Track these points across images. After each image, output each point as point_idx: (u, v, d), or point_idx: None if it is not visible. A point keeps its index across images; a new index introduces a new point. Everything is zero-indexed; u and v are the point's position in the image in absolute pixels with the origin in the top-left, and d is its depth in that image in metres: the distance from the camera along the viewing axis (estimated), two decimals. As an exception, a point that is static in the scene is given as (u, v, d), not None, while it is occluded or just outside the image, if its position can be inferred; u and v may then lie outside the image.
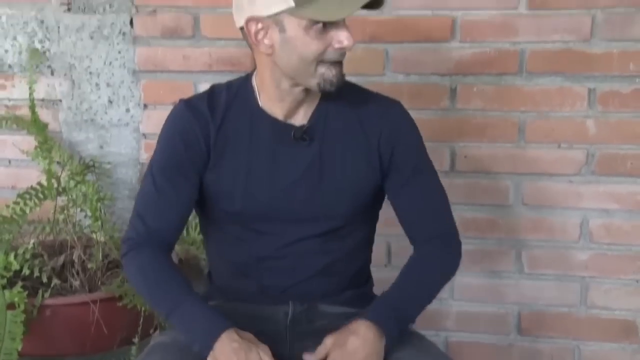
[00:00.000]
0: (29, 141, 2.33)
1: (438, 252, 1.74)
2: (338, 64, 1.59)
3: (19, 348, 1.86)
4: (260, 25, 1.56)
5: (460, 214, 2.23)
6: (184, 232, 2.15)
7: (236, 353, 1.50)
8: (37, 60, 2.37)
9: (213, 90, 1.73)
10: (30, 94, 2.29)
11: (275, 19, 1.54)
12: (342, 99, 1.68)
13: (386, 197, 1.76)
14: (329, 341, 1.59)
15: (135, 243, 1.67)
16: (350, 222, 1.72)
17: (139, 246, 1.66)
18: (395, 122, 1.71)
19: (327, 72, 1.58)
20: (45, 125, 2.31)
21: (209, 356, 1.53)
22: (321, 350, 1.59)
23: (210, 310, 1.59)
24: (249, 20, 1.57)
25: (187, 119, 1.67)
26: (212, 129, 1.67)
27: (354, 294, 1.77)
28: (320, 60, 1.57)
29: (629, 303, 2.26)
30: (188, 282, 1.64)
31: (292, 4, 1.51)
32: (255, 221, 1.70)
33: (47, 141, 2.25)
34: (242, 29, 1.60)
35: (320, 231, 1.70)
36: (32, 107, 2.28)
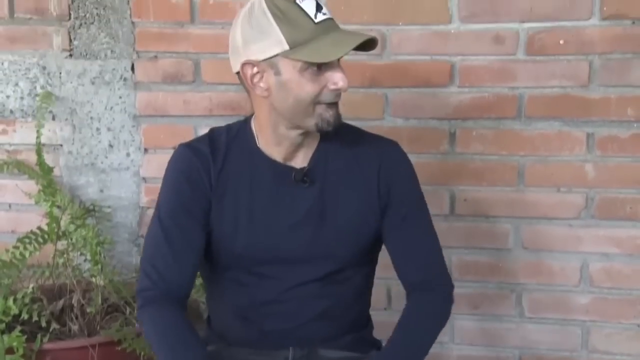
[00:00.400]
0: (29, 186, 2.34)
1: (430, 300, 1.73)
2: (334, 104, 1.61)
3: (16, 394, 1.85)
4: (255, 69, 1.58)
5: (460, 257, 2.25)
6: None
7: None
8: (49, 103, 2.38)
9: (212, 132, 1.74)
10: (38, 137, 2.30)
11: (271, 63, 1.56)
12: (341, 140, 1.69)
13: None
14: None
15: (151, 296, 1.64)
16: (350, 265, 1.72)
17: (155, 301, 1.63)
18: (393, 161, 1.72)
19: (324, 113, 1.59)
20: (51, 169, 2.32)
21: None
22: None
23: None
24: (244, 65, 1.58)
25: (190, 161, 1.68)
26: (213, 171, 1.67)
27: (354, 338, 1.76)
28: (316, 102, 1.58)
29: (631, 347, 2.25)
30: (204, 345, 1.63)
31: (287, 47, 1.53)
32: (256, 264, 1.69)
33: (51, 185, 2.25)
34: (238, 73, 1.62)
35: (321, 274, 1.70)
36: (39, 151, 2.30)
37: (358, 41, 1.55)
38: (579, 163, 2.21)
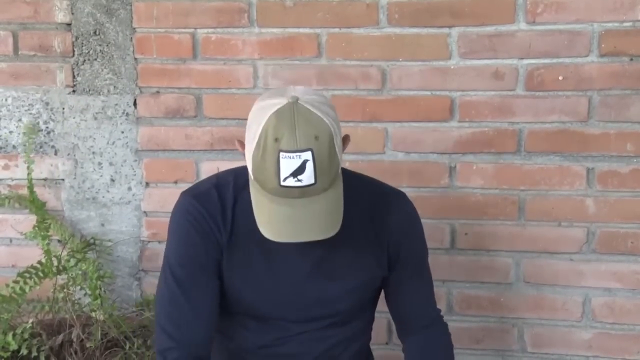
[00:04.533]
0: (31, 220, 2.34)
1: (441, 335, 1.75)
2: None
3: None
4: None
5: (461, 291, 2.25)
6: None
7: None
8: (34, 135, 2.38)
9: (219, 182, 1.68)
10: (29, 173, 2.31)
11: None
12: (350, 194, 1.60)
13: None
14: None
15: (175, 357, 1.59)
16: (352, 312, 1.72)
17: None
18: (405, 219, 1.71)
19: None
20: (43, 204, 2.32)
21: None
22: None
23: None
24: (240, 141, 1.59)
25: (199, 211, 1.63)
26: (222, 222, 1.63)
27: (355, 374, 1.75)
28: None
29: (640, 388, 2.25)
30: None
31: (252, 178, 1.52)
32: (262, 314, 1.68)
33: (45, 220, 2.25)
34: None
35: (323, 325, 1.69)
36: (30, 187, 2.30)
37: (300, 238, 1.49)
38: (579, 197, 2.21)
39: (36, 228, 2.20)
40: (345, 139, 1.60)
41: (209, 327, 1.63)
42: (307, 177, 1.45)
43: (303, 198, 1.47)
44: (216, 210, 1.63)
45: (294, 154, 1.44)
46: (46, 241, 2.15)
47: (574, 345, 2.26)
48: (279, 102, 1.49)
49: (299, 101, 1.48)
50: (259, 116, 1.50)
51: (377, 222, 1.67)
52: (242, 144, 1.57)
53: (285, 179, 1.45)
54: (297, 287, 1.65)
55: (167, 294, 1.63)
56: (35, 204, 2.28)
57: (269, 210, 1.49)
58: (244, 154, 1.56)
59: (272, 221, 1.49)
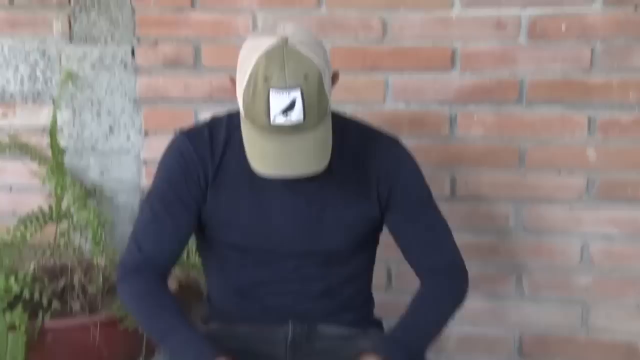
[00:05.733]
0: (29, 168, 2.33)
1: (446, 285, 1.74)
2: None
3: (20, 369, 1.84)
4: None
5: (461, 238, 2.22)
6: (184, 256, 2.14)
7: None
8: (71, 82, 2.38)
9: (214, 121, 1.74)
10: (53, 118, 2.31)
11: None
12: (343, 136, 1.67)
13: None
14: None
15: (130, 269, 1.67)
16: (349, 250, 1.73)
17: (134, 272, 1.66)
18: (394, 162, 1.72)
19: None
20: (63, 151, 2.32)
21: None
22: None
23: (202, 339, 1.57)
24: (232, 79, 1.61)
25: (188, 151, 1.68)
26: (212, 161, 1.68)
27: (354, 315, 1.77)
28: None
29: (630, 326, 2.26)
30: (182, 309, 1.64)
31: (243, 115, 1.56)
32: (254, 252, 1.71)
33: (60, 166, 2.25)
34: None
35: (319, 261, 1.71)
36: (53, 132, 2.30)
37: (288, 172, 1.54)
38: (580, 146, 2.22)
39: (50, 173, 2.19)
40: (335, 77, 1.63)
41: (169, 254, 1.69)
42: (296, 115, 1.49)
43: (292, 135, 1.51)
44: (205, 150, 1.68)
45: (283, 92, 1.48)
46: (56, 184, 2.14)
47: (571, 290, 2.28)
48: (269, 42, 1.52)
49: (288, 41, 1.52)
50: (250, 56, 1.53)
51: (366, 164, 1.70)
52: (234, 82, 1.59)
53: (275, 117, 1.50)
54: (288, 223, 1.68)
55: (141, 221, 1.71)
56: (55, 150, 2.27)
57: (260, 145, 1.54)
58: (235, 92, 1.59)
59: (262, 156, 1.54)
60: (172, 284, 1.93)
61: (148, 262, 1.66)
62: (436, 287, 1.72)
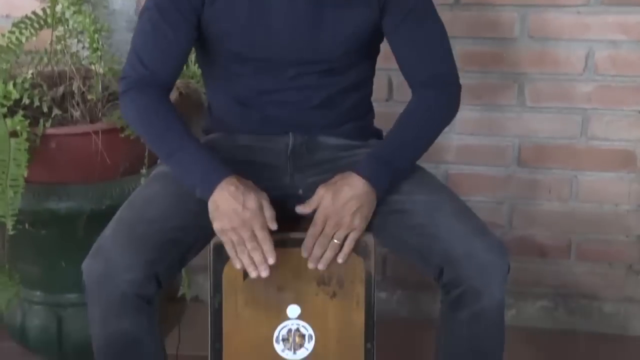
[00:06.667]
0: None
1: (436, 98, 1.72)
2: None
3: (25, 174, 1.86)
4: None
5: (464, 47, 2.22)
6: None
7: (236, 199, 1.52)
8: None
9: None
10: None
11: None
12: None
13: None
14: (321, 191, 1.60)
15: (134, 82, 1.65)
16: (349, 58, 1.71)
17: (138, 86, 1.65)
18: None
19: None
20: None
21: (209, 201, 1.54)
22: (314, 199, 1.60)
23: (210, 156, 1.59)
24: None
25: None
26: None
27: (354, 126, 1.78)
28: None
29: (630, 134, 2.27)
30: (188, 127, 1.64)
31: None
32: (254, 60, 1.69)
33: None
34: None
35: (320, 69, 1.69)
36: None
37: None
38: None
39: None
40: None
41: (172, 66, 1.68)
42: None
43: None
44: None
45: None
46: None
47: (573, 99, 2.26)
48: None
49: None
50: None
51: None
52: None
53: None
54: (287, 29, 1.65)
55: (140, 33, 1.68)
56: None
57: None
58: None
59: None
60: (173, 93, 1.91)
61: (151, 77, 1.64)
62: (425, 101, 1.71)
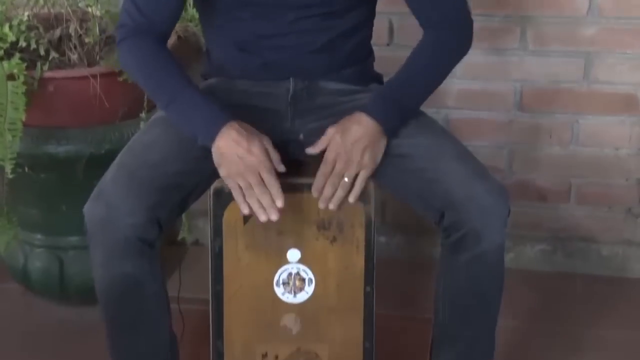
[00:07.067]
0: None
1: (448, 37, 1.69)
2: None
3: (23, 118, 1.86)
4: None
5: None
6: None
7: (240, 144, 1.51)
8: None
9: None
10: None
11: None
12: None
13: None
14: (331, 131, 1.59)
15: (131, 30, 1.63)
16: (349, 1, 1.68)
17: (136, 33, 1.62)
18: None
19: None
20: None
21: (213, 148, 1.54)
22: (323, 139, 1.59)
23: (211, 103, 1.57)
24: None
25: None
26: None
27: (355, 70, 1.76)
28: None
29: (632, 77, 2.25)
30: (187, 74, 1.62)
31: None
32: (253, 5, 1.66)
33: None
34: None
35: (319, 12, 1.66)
36: None
37: None
38: None
39: None
40: None
41: (168, 10, 1.65)
42: None
43: None
44: None
45: None
46: None
47: (576, 42, 2.25)
48: None
49: None
50: None
51: None
52: None
53: None
54: None
55: None
56: None
57: None
58: None
59: None
60: (172, 37, 1.89)
61: (148, 24, 1.62)
62: (436, 40, 1.69)
